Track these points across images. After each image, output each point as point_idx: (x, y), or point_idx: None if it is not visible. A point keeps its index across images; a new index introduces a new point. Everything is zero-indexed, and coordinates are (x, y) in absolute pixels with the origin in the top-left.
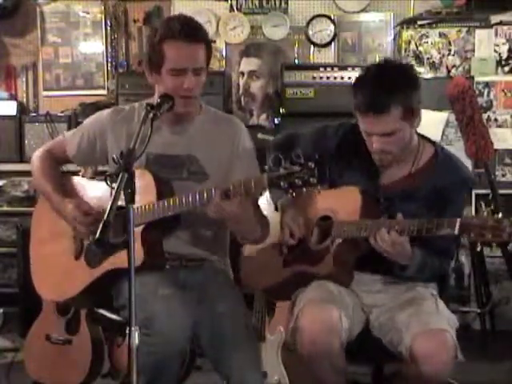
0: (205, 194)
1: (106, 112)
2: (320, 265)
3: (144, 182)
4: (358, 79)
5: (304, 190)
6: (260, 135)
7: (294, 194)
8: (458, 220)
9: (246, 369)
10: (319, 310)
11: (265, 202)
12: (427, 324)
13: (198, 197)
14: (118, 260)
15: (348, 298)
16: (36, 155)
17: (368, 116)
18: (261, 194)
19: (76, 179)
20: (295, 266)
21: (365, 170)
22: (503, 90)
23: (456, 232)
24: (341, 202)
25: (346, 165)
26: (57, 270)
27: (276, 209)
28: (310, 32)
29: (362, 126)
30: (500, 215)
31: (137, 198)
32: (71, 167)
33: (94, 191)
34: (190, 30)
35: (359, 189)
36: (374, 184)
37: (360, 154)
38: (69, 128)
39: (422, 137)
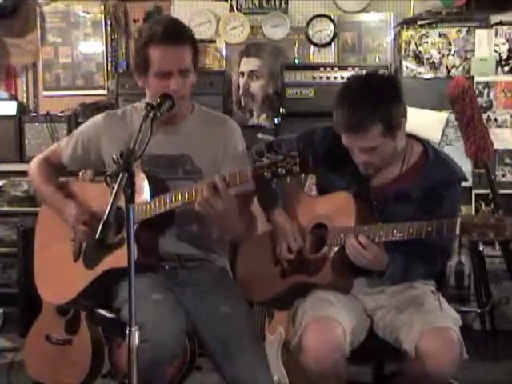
0: (193, 191)
1: (99, 117)
2: (319, 275)
3: (137, 181)
4: (338, 95)
5: (288, 178)
6: (260, 135)
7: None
8: (459, 220)
9: (256, 369)
10: (322, 328)
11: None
12: (432, 322)
13: (187, 193)
14: (114, 260)
15: (350, 307)
16: (33, 163)
17: (347, 133)
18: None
19: (75, 184)
20: (293, 277)
21: (355, 174)
22: (503, 90)
23: (457, 233)
24: (334, 208)
25: (336, 169)
26: (56, 273)
27: (268, 219)
28: (310, 32)
29: (343, 140)
30: (500, 213)
31: None
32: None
33: (94, 194)
34: (174, 32)
35: (351, 193)
36: (365, 187)
37: (349, 157)
38: (69, 128)
39: (409, 136)
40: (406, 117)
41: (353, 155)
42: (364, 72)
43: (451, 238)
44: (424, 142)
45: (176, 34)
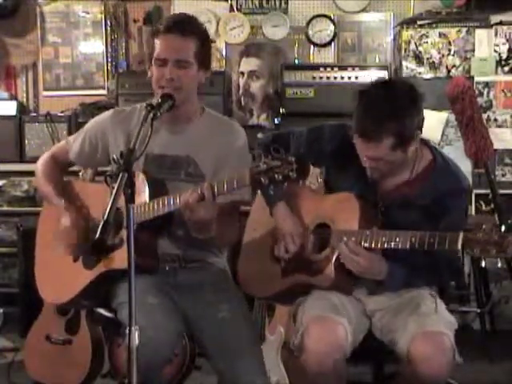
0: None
1: (107, 114)
2: (321, 275)
3: (136, 183)
4: (360, 94)
5: (285, 184)
6: (260, 135)
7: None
8: (461, 234)
9: (253, 373)
10: (324, 329)
11: (260, 205)
12: (424, 326)
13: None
14: (113, 261)
15: (350, 308)
16: (40, 161)
17: (359, 139)
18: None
19: (78, 183)
20: (294, 276)
21: (362, 176)
22: (503, 90)
23: (459, 247)
24: (338, 209)
25: (343, 170)
26: (56, 272)
27: (271, 213)
28: (310, 32)
29: (354, 142)
30: (503, 228)
31: None
32: (71, 168)
33: (96, 194)
34: (178, 24)
35: (356, 195)
36: (372, 190)
37: (357, 159)
38: (69, 128)
39: (419, 141)
40: (421, 129)
41: (361, 158)
42: (388, 79)
43: (456, 252)
44: (433, 149)
45: (178, 24)
